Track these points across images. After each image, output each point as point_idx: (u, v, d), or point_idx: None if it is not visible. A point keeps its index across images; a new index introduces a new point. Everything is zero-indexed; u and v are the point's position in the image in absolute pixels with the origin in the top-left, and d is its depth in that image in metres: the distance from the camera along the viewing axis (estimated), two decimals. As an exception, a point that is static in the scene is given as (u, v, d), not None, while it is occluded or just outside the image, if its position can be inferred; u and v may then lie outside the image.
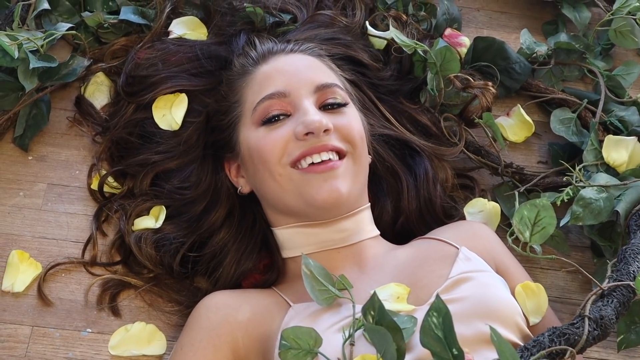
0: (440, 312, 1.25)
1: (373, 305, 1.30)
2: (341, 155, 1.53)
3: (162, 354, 1.60)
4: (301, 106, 1.54)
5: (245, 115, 1.59)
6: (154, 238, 1.65)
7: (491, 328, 1.18)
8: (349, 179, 1.52)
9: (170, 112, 1.74)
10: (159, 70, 1.77)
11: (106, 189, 1.74)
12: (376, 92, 1.76)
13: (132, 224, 1.68)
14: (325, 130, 1.52)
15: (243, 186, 1.63)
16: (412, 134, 1.74)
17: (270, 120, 1.55)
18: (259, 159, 1.54)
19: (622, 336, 1.61)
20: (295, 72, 1.59)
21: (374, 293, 1.30)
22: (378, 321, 1.29)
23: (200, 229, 1.65)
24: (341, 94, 1.59)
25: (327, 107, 1.57)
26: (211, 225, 1.64)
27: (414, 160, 1.72)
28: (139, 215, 1.69)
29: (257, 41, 1.69)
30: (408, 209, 1.68)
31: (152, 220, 1.68)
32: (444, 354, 1.25)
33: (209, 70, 1.76)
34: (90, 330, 1.61)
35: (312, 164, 1.51)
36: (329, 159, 1.51)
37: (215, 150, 1.66)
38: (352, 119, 1.58)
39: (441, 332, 1.24)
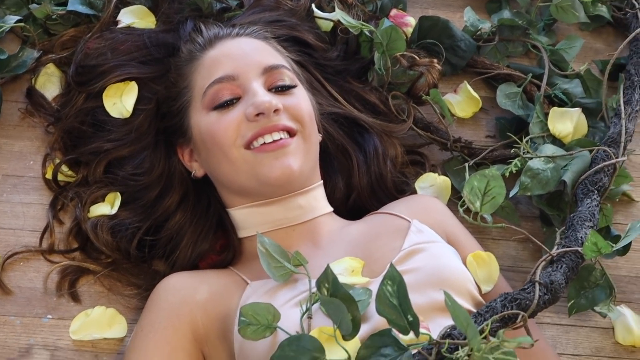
0: (394, 280, 1.28)
1: (327, 278, 1.33)
2: (291, 134, 1.56)
3: (123, 337, 1.61)
4: (250, 88, 1.57)
5: (195, 100, 1.61)
6: (109, 224, 1.66)
7: (445, 293, 1.22)
8: (300, 156, 1.55)
9: (121, 100, 1.75)
10: (108, 59, 1.78)
11: (61, 177, 1.75)
12: (323, 73, 1.79)
13: (88, 211, 1.69)
14: (275, 111, 1.54)
15: (197, 170, 1.65)
16: (360, 112, 1.77)
17: (221, 105, 1.57)
18: (212, 143, 1.57)
19: (572, 301, 1.66)
20: (242, 55, 1.61)
21: (327, 266, 1.33)
22: (332, 293, 1.32)
23: (156, 213, 1.67)
24: (289, 75, 1.62)
25: (276, 89, 1.60)
26: (166, 210, 1.66)
27: (363, 138, 1.75)
28: (94, 203, 1.71)
29: (203, 27, 1.71)
30: (359, 185, 1.71)
31: (108, 206, 1.70)
32: (399, 320, 1.28)
33: (157, 57, 1.77)
34: (50, 317, 1.62)
35: (264, 143, 1.54)
36: (280, 138, 1.54)
37: (167, 136, 1.68)
38: (301, 99, 1.61)
39: (396, 299, 1.28)
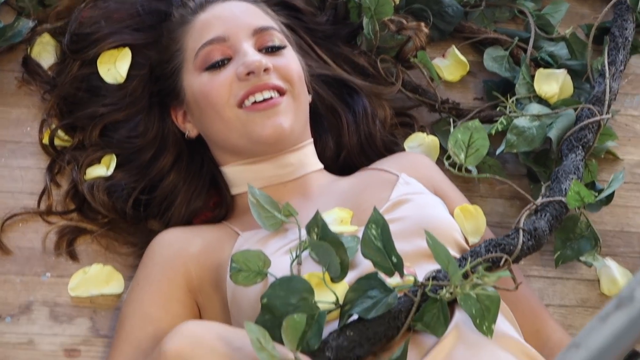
0: (378, 223, 1.32)
1: (316, 223, 1.37)
2: (281, 93, 1.60)
3: (120, 293, 1.65)
4: (241, 49, 1.61)
5: (187, 62, 1.65)
6: (106, 185, 1.70)
7: (427, 232, 1.26)
8: (291, 115, 1.59)
9: (115, 66, 1.79)
10: (101, 27, 1.82)
11: (57, 142, 1.79)
12: (313, 37, 1.83)
13: (85, 174, 1.73)
14: (265, 70, 1.58)
15: (190, 130, 1.69)
16: (349, 75, 1.81)
17: (213, 66, 1.61)
18: (205, 103, 1.61)
19: (559, 252, 1.70)
20: (233, 17, 1.66)
21: (317, 212, 1.37)
22: (321, 238, 1.36)
23: (150, 174, 1.71)
24: (278, 37, 1.66)
25: (266, 50, 1.64)
26: (160, 170, 1.70)
27: (352, 99, 1.79)
28: (90, 165, 1.75)
29: None
30: (349, 144, 1.75)
31: (104, 168, 1.73)
32: (384, 262, 1.32)
33: (149, 24, 1.81)
34: (49, 275, 1.66)
35: (255, 102, 1.58)
36: (271, 97, 1.58)
37: (161, 99, 1.72)
38: (290, 60, 1.65)
39: (380, 242, 1.32)
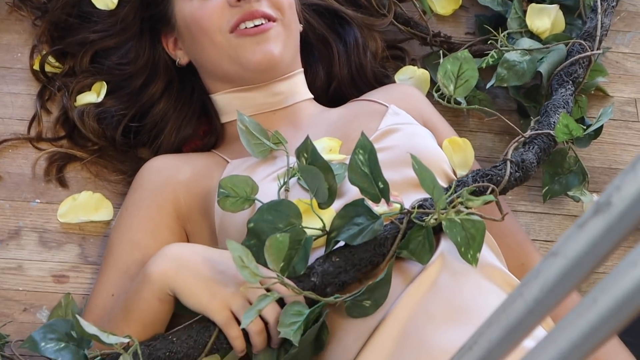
0: (365, 149, 1.33)
1: (306, 148, 1.38)
2: (272, 21, 1.59)
3: (109, 220, 1.66)
4: None
5: None
6: (96, 112, 1.71)
7: (412, 156, 1.27)
8: (281, 42, 1.59)
9: (106, -8, 1.79)
10: None
11: (48, 69, 1.79)
12: None
13: (75, 100, 1.73)
14: None
15: (181, 57, 1.69)
16: (341, 5, 1.81)
17: None
18: (197, 29, 1.60)
19: (547, 187, 1.71)
20: None
21: (307, 137, 1.38)
22: (311, 162, 1.37)
23: (141, 101, 1.71)
24: None
25: None
26: (151, 97, 1.70)
27: (344, 29, 1.79)
28: (80, 92, 1.75)
29: None
30: (340, 74, 1.76)
31: (94, 95, 1.74)
32: (370, 188, 1.33)
33: None
34: (39, 201, 1.67)
35: (246, 28, 1.57)
36: (261, 24, 1.58)
37: (152, 25, 1.71)
38: None
39: (367, 167, 1.32)
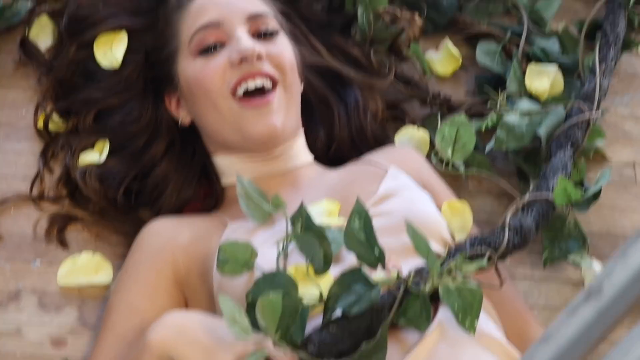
0: (361, 215, 1.34)
1: (301, 215, 1.39)
2: (274, 82, 1.61)
3: (109, 283, 1.66)
4: (234, 34, 1.62)
5: (182, 47, 1.67)
6: (98, 172, 1.71)
7: (407, 224, 1.28)
8: (283, 111, 1.60)
9: (111, 51, 1.80)
10: (99, 10, 1.82)
11: (52, 127, 1.80)
12: (307, 25, 1.83)
13: (77, 159, 1.74)
14: (258, 57, 1.59)
15: (183, 118, 1.71)
16: (342, 65, 1.82)
17: (206, 50, 1.63)
18: (199, 89, 1.62)
19: (547, 251, 1.71)
20: (228, 3, 1.67)
21: (301, 203, 1.39)
22: (306, 229, 1.38)
23: (143, 161, 1.72)
24: (272, 23, 1.68)
25: (260, 36, 1.65)
26: (153, 157, 1.72)
27: (344, 90, 1.80)
28: (83, 151, 1.76)
29: None
30: (340, 136, 1.77)
31: (97, 154, 1.74)
32: (367, 254, 1.34)
33: (146, 9, 1.82)
34: (39, 262, 1.68)
35: (247, 91, 1.59)
36: (263, 86, 1.59)
37: (155, 85, 1.73)
38: (283, 47, 1.66)
39: (363, 234, 1.33)
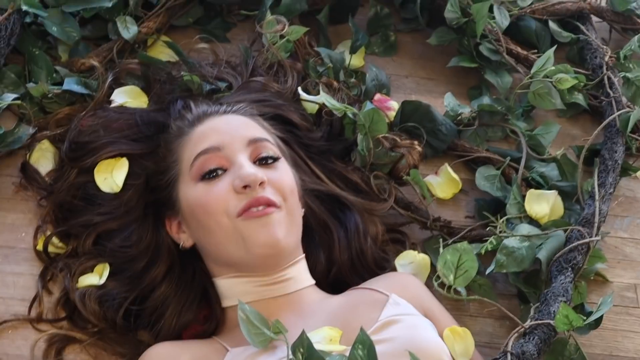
0: (364, 344, 1.33)
1: (302, 343, 1.38)
2: (275, 207, 1.61)
3: (106, 406, 1.65)
4: (236, 160, 1.64)
5: (183, 173, 1.68)
6: (97, 294, 1.71)
7: (411, 354, 1.27)
8: (284, 227, 1.61)
9: (112, 176, 1.81)
10: (100, 137, 1.84)
11: (51, 249, 1.80)
12: (307, 152, 1.86)
13: (77, 282, 1.74)
14: (261, 184, 1.61)
15: (185, 241, 1.71)
16: (342, 190, 1.83)
17: (208, 175, 1.64)
18: (202, 213, 1.63)
19: (548, 376, 1.70)
20: (228, 130, 1.69)
21: (303, 331, 1.38)
22: (307, 358, 1.37)
23: (142, 284, 1.71)
24: (273, 149, 1.69)
25: (260, 162, 1.67)
26: (152, 280, 1.71)
27: (344, 215, 1.81)
28: (83, 273, 1.75)
29: (192, 104, 1.80)
30: (340, 260, 1.77)
31: (96, 277, 1.74)
32: (370, 384, 1.33)
33: (147, 135, 1.84)
34: (36, 385, 1.66)
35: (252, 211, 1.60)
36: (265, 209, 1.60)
37: (155, 209, 1.74)
38: (284, 173, 1.68)
39: (367, 363, 1.32)
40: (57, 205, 1.83)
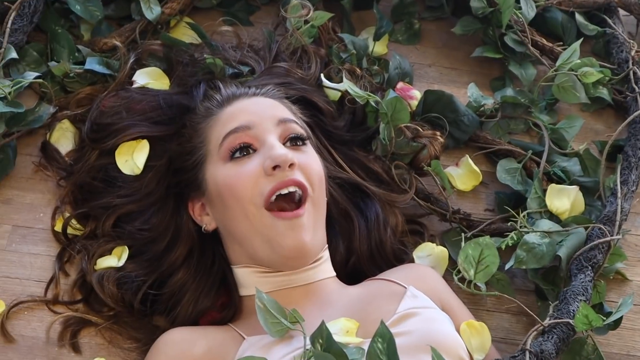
0: (384, 337, 1.32)
1: (321, 334, 1.37)
2: (304, 193, 1.61)
3: (120, 390, 1.65)
4: (266, 141, 1.63)
5: (212, 153, 1.67)
6: (116, 276, 1.70)
7: (432, 349, 1.26)
8: (312, 228, 1.60)
9: (132, 158, 1.80)
10: (122, 118, 1.83)
11: (69, 230, 1.79)
12: (330, 140, 1.84)
13: (95, 264, 1.73)
14: (290, 165, 1.59)
15: (208, 224, 1.70)
16: (364, 180, 1.82)
17: (238, 153, 1.63)
18: (230, 196, 1.61)
19: (564, 376, 1.69)
20: (258, 110, 1.68)
21: (322, 322, 1.38)
22: (326, 349, 1.36)
23: (162, 267, 1.71)
24: (301, 130, 1.69)
25: (290, 142, 1.66)
26: (172, 264, 1.70)
27: (365, 204, 1.80)
28: (101, 256, 1.75)
29: (221, 85, 1.79)
30: (359, 250, 1.76)
31: (115, 259, 1.73)
32: (388, 378, 1.32)
33: (170, 118, 1.83)
34: (51, 366, 1.66)
35: (280, 195, 1.59)
36: (295, 192, 1.59)
37: (178, 191, 1.73)
38: (312, 158, 1.67)
39: (385, 356, 1.32)
40: (77, 186, 1.82)
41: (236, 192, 1.60)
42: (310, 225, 1.60)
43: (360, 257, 1.76)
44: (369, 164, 1.86)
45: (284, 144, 1.65)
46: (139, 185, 1.78)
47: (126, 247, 1.75)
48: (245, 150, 1.63)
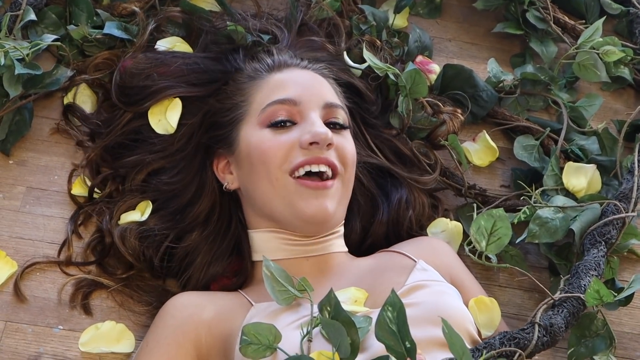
0: (394, 306, 1.31)
1: (329, 302, 1.37)
2: (334, 173, 1.61)
3: (130, 353, 1.64)
4: (309, 117, 1.63)
5: (251, 114, 1.67)
6: (138, 229, 1.70)
7: (443, 321, 1.26)
8: (337, 200, 1.61)
9: (166, 117, 1.80)
10: (155, 80, 1.81)
11: (80, 192, 1.80)
12: (365, 124, 1.84)
13: (119, 219, 1.73)
14: (328, 145, 1.60)
15: (230, 182, 1.70)
16: (393, 164, 1.82)
17: (277, 124, 1.63)
18: (259, 159, 1.62)
19: (572, 349, 1.67)
20: (308, 86, 1.68)
21: (331, 290, 1.37)
22: (334, 317, 1.36)
23: (184, 222, 1.71)
24: (344, 116, 1.69)
25: (330, 126, 1.65)
26: (195, 219, 1.71)
27: (390, 188, 1.80)
28: (125, 212, 1.75)
29: (274, 50, 1.79)
30: (376, 232, 1.76)
31: (138, 214, 1.74)
32: (397, 347, 1.31)
33: (208, 80, 1.81)
34: (62, 327, 1.66)
35: (309, 172, 1.59)
36: (325, 172, 1.60)
37: (207, 146, 1.73)
38: (349, 143, 1.67)
39: (395, 325, 1.31)
40: (106, 148, 1.82)
41: (266, 158, 1.60)
42: (336, 198, 1.61)
43: (376, 239, 1.77)
44: (397, 144, 1.86)
45: (325, 124, 1.65)
46: (171, 141, 1.78)
47: (150, 202, 1.75)
48: (285, 123, 1.63)
